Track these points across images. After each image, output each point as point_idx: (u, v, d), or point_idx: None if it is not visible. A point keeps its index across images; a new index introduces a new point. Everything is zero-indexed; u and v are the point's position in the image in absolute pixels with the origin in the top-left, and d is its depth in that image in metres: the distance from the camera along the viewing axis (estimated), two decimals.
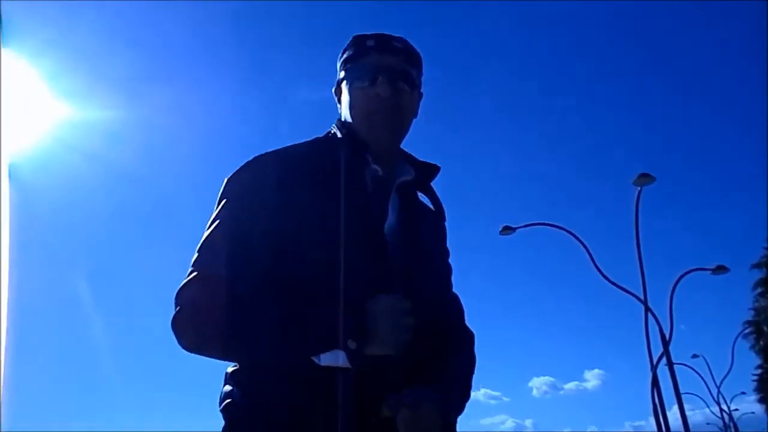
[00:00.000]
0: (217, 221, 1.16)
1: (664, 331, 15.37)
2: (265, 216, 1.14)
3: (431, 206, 1.38)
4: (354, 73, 1.29)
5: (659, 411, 14.41)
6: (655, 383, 14.81)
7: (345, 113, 1.31)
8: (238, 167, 1.22)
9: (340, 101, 1.35)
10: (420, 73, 1.34)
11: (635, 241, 14.56)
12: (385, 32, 1.29)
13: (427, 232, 1.30)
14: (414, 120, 1.33)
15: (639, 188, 13.88)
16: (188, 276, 1.12)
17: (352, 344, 1.02)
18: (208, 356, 1.13)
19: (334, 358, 1.03)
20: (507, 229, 16.08)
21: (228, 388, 1.17)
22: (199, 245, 1.16)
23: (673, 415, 15.48)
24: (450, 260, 1.41)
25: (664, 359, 15.14)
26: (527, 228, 16.50)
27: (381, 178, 1.24)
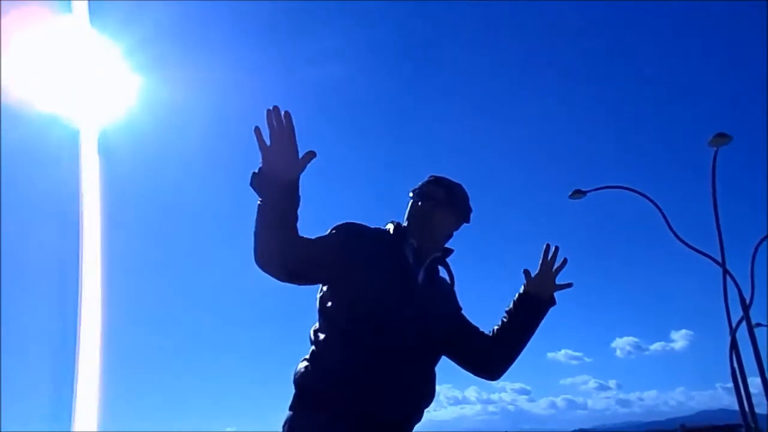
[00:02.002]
0: (320, 239, 1.86)
1: (744, 295, 15.01)
2: (347, 254, 1.84)
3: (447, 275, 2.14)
4: (446, 209, 2.04)
5: (738, 375, 14.19)
6: (734, 346, 14.53)
7: (414, 216, 2.06)
8: (340, 225, 1.92)
9: (417, 203, 2.07)
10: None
11: (712, 204, 14.18)
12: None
13: (440, 288, 2.06)
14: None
15: (715, 149, 13.48)
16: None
17: None
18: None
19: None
20: (578, 193, 15.93)
21: (302, 365, 1.80)
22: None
23: (757, 379, 15.17)
24: (461, 307, 2.16)
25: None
26: (598, 191, 16.33)
27: (417, 252, 1.98)
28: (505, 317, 2.15)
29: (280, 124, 1.64)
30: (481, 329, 2.15)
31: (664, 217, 15.08)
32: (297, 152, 1.67)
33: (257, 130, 1.64)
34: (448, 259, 2.09)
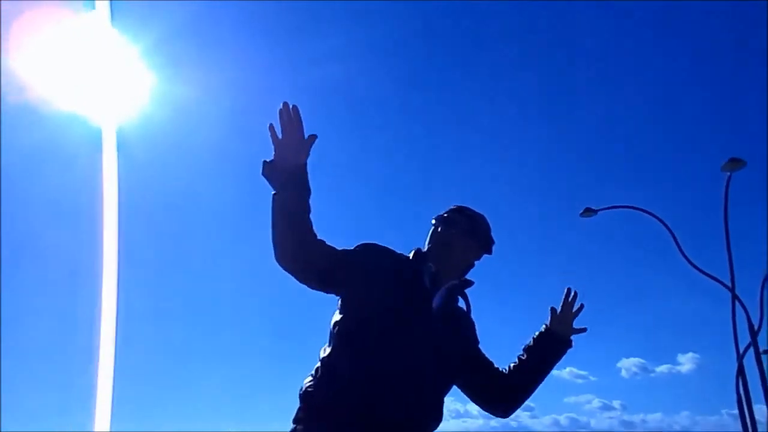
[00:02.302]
0: (344, 251, 1.95)
1: (752, 321, 14.89)
2: (366, 267, 1.92)
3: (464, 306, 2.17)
4: (469, 238, 2.10)
5: (743, 402, 14.05)
6: (741, 373, 14.41)
7: (434, 242, 2.11)
8: (367, 242, 2.01)
9: (438, 229, 2.13)
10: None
11: (724, 228, 14.11)
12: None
13: (458, 317, 2.09)
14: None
15: (729, 173, 13.43)
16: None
17: None
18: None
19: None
20: (588, 211, 15.91)
21: (308, 379, 1.83)
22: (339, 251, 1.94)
23: (762, 408, 14.99)
24: (477, 338, 2.21)
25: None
26: (610, 210, 16.29)
27: (435, 278, 2.01)
28: (522, 354, 2.20)
29: (289, 117, 1.76)
30: (496, 365, 2.19)
31: (675, 238, 15.02)
32: (304, 139, 1.80)
33: (271, 126, 1.76)
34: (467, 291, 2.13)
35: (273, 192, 1.79)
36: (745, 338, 14.80)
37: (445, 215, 2.13)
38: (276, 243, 1.79)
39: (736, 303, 14.59)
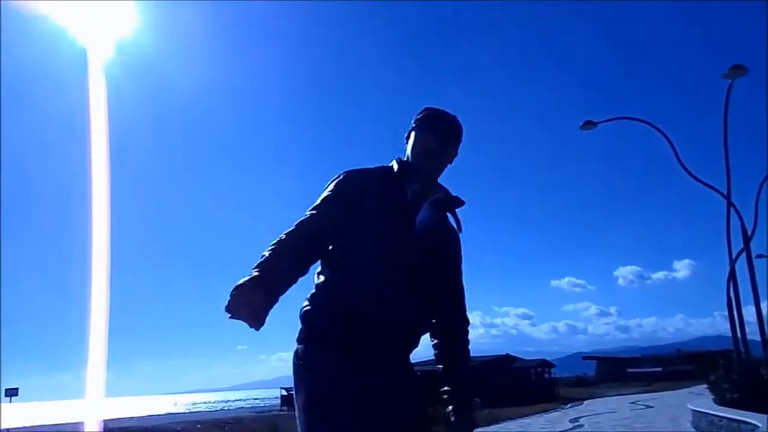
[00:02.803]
0: (317, 207, 1.92)
1: (747, 227, 15.29)
2: (345, 209, 1.88)
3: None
4: (421, 128, 2.04)
5: (733, 304, 14.70)
6: (732, 277, 14.99)
7: (408, 152, 2.05)
8: (339, 174, 1.96)
9: (407, 142, 2.07)
10: (459, 141, 2.10)
11: (722, 137, 14.22)
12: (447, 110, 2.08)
13: (445, 237, 2.02)
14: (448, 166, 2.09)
15: (730, 81, 13.40)
16: (291, 228, 1.87)
17: None
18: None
19: None
20: (589, 124, 15.98)
21: (306, 303, 1.92)
22: (307, 213, 1.91)
23: (751, 309, 15.67)
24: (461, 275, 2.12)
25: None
26: (610, 122, 16.35)
27: (419, 192, 1.95)
28: (451, 363, 2.09)
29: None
30: (455, 307, 2.09)
31: (673, 148, 15.18)
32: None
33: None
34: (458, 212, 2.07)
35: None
36: (738, 244, 15.30)
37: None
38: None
39: (731, 210, 14.98)
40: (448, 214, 2.06)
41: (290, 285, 1.80)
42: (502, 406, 24.50)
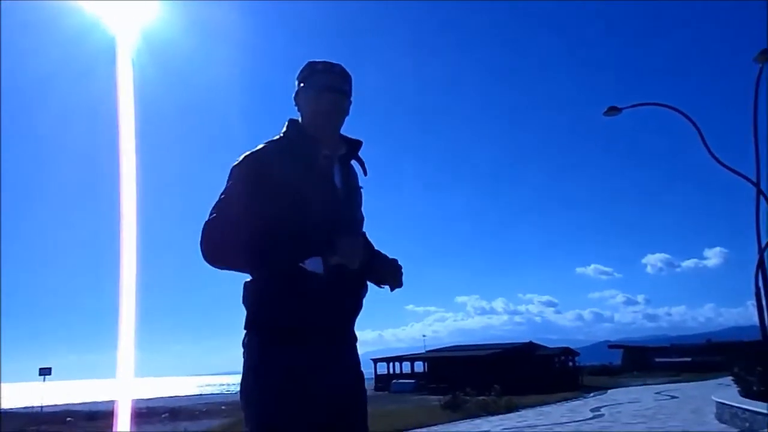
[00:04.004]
0: (229, 191, 1.83)
1: None
2: (263, 187, 1.79)
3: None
4: (309, 88, 1.94)
5: (762, 294, 14.36)
6: (761, 265, 14.63)
7: (303, 113, 1.98)
8: (239, 159, 1.86)
9: (297, 105, 1.99)
10: (351, 88, 2.01)
11: (752, 123, 13.83)
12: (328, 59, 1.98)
13: (356, 184, 2.02)
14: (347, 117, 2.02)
15: (761, 65, 12.99)
16: (210, 216, 1.79)
17: (330, 256, 1.76)
18: (227, 268, 1.82)
19: (316, 266, 1.76)
20: (613, 110, 15.66)
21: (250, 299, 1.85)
22: (216, 203, 1.82)
23: None
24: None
25: None
26: (637, 108, 16.00)
27: (327, 155, 1.92)
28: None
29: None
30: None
31: (701, 134, 14.80)
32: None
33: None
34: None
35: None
36: None
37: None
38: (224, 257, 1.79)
39: (761, 198, 14.58)
40: (353, 162, 2.04)
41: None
42: (524, 394, 24.44)
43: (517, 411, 18.55)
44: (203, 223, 1.79)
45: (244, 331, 1.86)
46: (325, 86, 1.93)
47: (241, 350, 1.85)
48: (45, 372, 27.00)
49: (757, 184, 14.46)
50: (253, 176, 1.81)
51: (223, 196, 1.83)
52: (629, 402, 19.84)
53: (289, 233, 1.77)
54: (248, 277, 1.88)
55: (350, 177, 2.01)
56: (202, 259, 1.79)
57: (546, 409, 19.32)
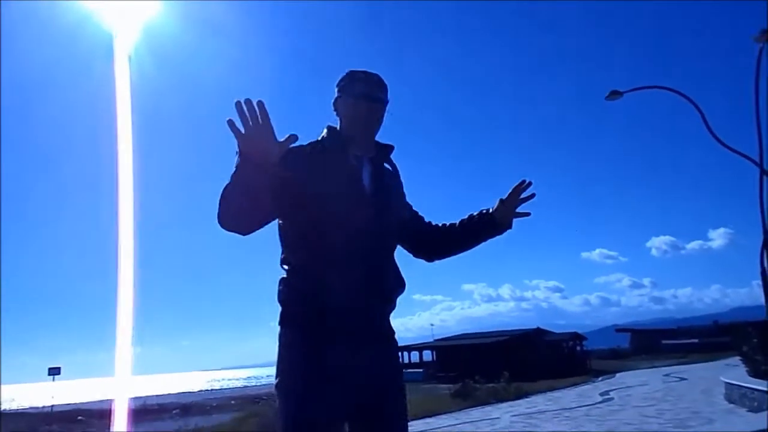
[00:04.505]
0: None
1: None
2: (296, 173, 1.86)
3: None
4: (349, 94, 2.05)
5: (767, 275, 14.33)
6: (766, 246, 14.58)
7: (340, 119, 2.09)
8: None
9: (336, 111, 2.10)
10: (387, 96, 2.10)
11: (754, 103, 13.76)
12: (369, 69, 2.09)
13: (388, 183, 2.09)
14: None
15: (761, 45, 12.92)
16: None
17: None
18: (234, 222, 1.80)
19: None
20: (614, 94, 15.58)
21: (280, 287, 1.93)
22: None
23: None
24: (407, 199, 2.25)
25: None
26: (637, 92, 15.92)
27: (358, 157, 2.02)
28: (465, 220, 2.28)
29: (253, 114, 1.66)
30: (427, 220, 2.29)
31: (702, 116, 14.68)
32: (273, 138, 1.69)
33: (230, 122, 1.65)
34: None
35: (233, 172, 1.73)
36: None
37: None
38: (224, 214, 1.76)
39: (765, 178, 14.51)
40: (386, 164, 2.13)
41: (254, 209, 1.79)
42: (533, 380, 24.51)
43: (527, 397, 18.62)
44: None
45: (279, 327, 1.93)
46: (363, 94, 2.04)
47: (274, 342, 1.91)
48: (54, 372, 27.16)
49: (760, 164, 14.40)
50: (281, 168, 1.84)
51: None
52: (638, 385, 19.88)
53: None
54: (283, 273, 1.96)
55: (384, 177, 2.08)
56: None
57: (555, 394, 19.38)
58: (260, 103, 1.66)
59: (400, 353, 2.26)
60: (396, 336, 2.04)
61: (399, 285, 2.03)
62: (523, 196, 2.25)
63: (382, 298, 1.96)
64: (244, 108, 1.65)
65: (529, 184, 2.24)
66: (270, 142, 1.69)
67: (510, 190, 2.24)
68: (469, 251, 2.32)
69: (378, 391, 1.90)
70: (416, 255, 2.27)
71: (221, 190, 1.75)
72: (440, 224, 2.32)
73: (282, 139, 1.71)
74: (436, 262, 2.31)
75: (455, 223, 2.30)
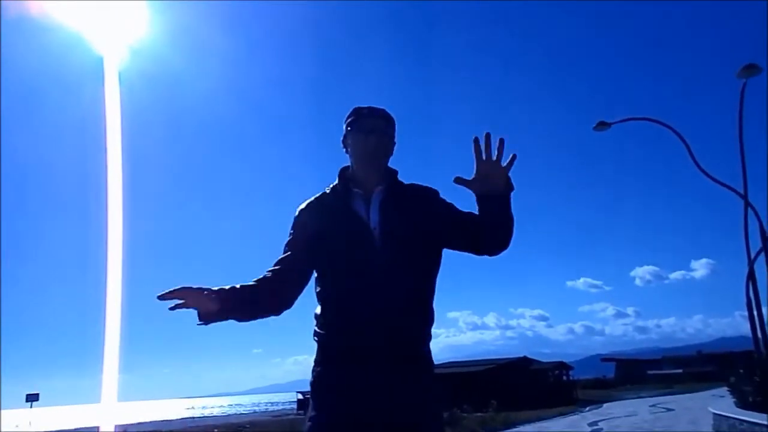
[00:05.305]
0: (289, 238, 2.11)
1: (765, 226, 15.08)
2: (308, 236, 2.05)
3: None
4: (353, 131, 2.10)
5: (753, 304, 14.49)
6: (751, 277, 14.77)
7: (351, 156, 2.12)
8: (298, 209, 2.12)
9: (345, 148, 2.15)
10: (393, 129, 2.15)
11: (738, 136, 14.06)
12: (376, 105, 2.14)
13: (401, 211, 2.03)
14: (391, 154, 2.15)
15: (744, 80, 13.24)
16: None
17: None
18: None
19: None
20: (602, 125, 15.85)
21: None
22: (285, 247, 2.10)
23: None
24: (448, 204, 2.12)
25: None
26: (623, 123, 16.21)
27: (363, 194, 2.05)
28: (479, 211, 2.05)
29: (177, 296, 1.80)
30: (473, 214, 2.04)
31: (688, 148, 15.01)
32: (202, 297, 1.83)
33: (172, 308, 1.80)
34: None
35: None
36: (756, 243, 15.08)
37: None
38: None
39: (749, 209, 14.76)
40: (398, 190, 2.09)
41: (261, 310, 2.00)
42: (520, 409, 24.35)
43: (516, 427, 18.48)
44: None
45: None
46: (370, 129, 2.08)
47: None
48: (32, 398, 26.57)
49: (744, 196, 14.66)
50: (300, 227, 2.09)
51: (285, 247, 2.10)
52: (626, 415, 19.83)
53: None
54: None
55: (394, 207, 2.04)
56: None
57: (544, 424, 19.26)
58: (175, 292, 1.80)
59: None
60: (425, 367, 2.01)
61: (414, 320, 1.98)
62: (496, 155, 1.94)
63: (389, 337, 1.90)
64: (167, 298, 1.80)
65: (488, 135, 1.94)
66: (203, 303, 1.84)
67: (475, 157, 1.95)
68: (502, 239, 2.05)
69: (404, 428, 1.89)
70: (479, 253, 2.08)
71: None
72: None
73: (199, 291, 1.84)
74: (498, 254, 2.09)
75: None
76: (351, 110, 2.14)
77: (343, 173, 2.12)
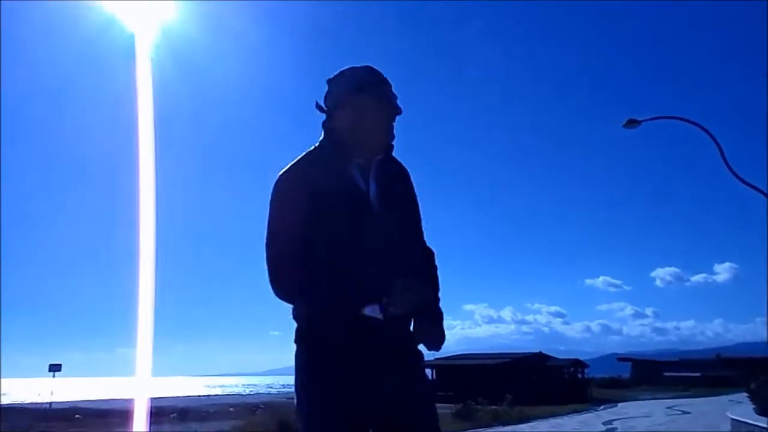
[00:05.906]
0: (278, 215, 1.83)
1: None
2: (300, 209, 1.79)
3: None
4: (378, 99, 1.88)
5: None
6: None
7: (339, 123, 1.89)
8: (277, 180, 1.85)
9: (337, 106, 1.90)
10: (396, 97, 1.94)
11: (766, 137, 13.75)
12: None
13: (396, 187, 1.95)
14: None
15: None
16: (271, 246, 1.81)
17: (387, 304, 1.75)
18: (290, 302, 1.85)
19: (372, 311, 1.76)
20: (632, 122, 15.63)
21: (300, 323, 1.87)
22: (267, 232, 1.82)
23: None
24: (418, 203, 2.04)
25: None
26: (654, 121, 15.96)
27: (362, 164, 1.87)
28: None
29: None
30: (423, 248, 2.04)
31: (720, 148, 14.73)
32: None
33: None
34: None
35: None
36: None
37: (328, 91, 1.92)
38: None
39: None
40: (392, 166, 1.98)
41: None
42: (534, 404, 24.31)
43: (529, 422, 18.46)
44: (267, 254, 1.81)
45: (295, 345, 1.88)
46: (395, 101, 1.91)
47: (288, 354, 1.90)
48: (55, 368, 27.16)
49: None
50: (293, 194, 1.82)
51: (274, 223, 1.83)
52: (642, 416, 19.69)
53: (346, 271, 1.78)
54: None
55: (394, 181, 1.95)
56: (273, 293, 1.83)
57: (558, 420, 19.21)
58: None
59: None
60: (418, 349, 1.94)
61: (417, 292, 1.80)
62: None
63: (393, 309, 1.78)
64: None
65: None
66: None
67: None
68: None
69: (399, 408, 1.83)
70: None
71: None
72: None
73: None
74: None
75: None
76: (363, 68, 1.91)
77: (334, 136, 1.90)
